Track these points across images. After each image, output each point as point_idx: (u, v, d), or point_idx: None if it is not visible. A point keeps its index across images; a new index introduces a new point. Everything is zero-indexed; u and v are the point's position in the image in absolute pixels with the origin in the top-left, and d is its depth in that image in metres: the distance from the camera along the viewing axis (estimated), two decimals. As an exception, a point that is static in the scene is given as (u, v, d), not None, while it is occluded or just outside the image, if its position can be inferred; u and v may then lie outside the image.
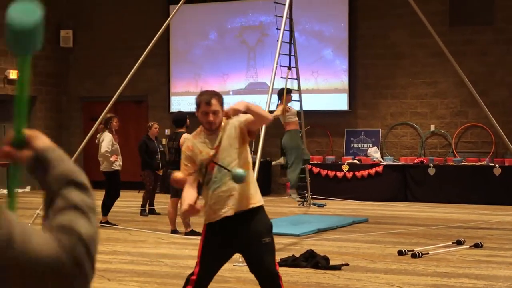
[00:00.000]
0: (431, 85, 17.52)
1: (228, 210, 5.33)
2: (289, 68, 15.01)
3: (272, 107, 12.54)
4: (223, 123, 5.40)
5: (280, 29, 12.41)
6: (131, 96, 19.53)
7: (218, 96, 5.37)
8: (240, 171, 5.11)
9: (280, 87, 15.26)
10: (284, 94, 14.39)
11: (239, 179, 5.10)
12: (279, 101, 14.54)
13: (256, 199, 5.42)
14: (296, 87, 15.42)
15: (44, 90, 20.24)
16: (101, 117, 13.05)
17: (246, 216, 5.38)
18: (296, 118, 14.79)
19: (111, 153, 12.68)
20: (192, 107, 17.37)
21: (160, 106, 19.69)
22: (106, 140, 12.72)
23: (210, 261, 5.43)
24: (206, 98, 5.31)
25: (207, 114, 5.30)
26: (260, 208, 5.46)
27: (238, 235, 5.38)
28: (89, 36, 20.51)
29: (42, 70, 20.11)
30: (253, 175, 5.60)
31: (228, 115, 5.23)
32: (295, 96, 15.52)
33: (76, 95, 20.75)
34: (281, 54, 12.71)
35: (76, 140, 20.02)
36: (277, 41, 12.15)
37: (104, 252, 10.10)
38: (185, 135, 11.35)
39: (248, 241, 5.40)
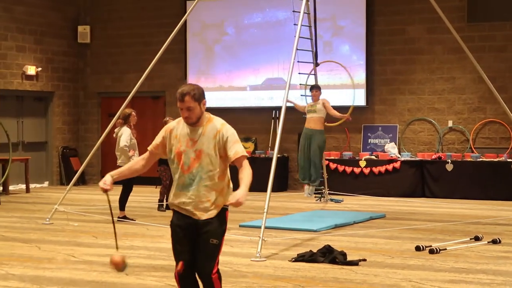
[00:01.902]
0: (448, 80, 17.45)
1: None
2: (317, 64, 15.10)
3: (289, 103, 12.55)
4: (207, 120, 5.49)
5: (297, 25, 12.39)
6: (149, 92, 19.57)
7: (194, 91, 5.42)
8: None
9: (297, 83, 15.29)
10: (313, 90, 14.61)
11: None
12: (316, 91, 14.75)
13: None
14: (313, 83, 15.42)
15: (61, 86, 20.31)
16: (119, 112, 13.10)
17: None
18: (309, 116, 14.86)
19: (129, 148, 12.71)
20: (210, 103, 17.46)
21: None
22: (125, 135, 12.75)
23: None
24: (180, 95, 5.42)
25: (181, 110, 5.43)
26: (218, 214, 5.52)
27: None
28: (107, 32, 20.56)
29: (59, 66, 20.18)
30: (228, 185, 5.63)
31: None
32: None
33: (94, 90, 20.81)
34: (298, 49, 12.69)
35: (93, 136, 20.10)
36: (295, 36, 12.14)
37: (122, 247, 10.09)
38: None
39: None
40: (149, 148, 5.69)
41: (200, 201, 5.43)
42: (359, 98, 17.93)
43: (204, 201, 5.43)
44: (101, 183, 5.51)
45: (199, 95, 5.42)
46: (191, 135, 5.47)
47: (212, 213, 5.46)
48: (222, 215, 5.52)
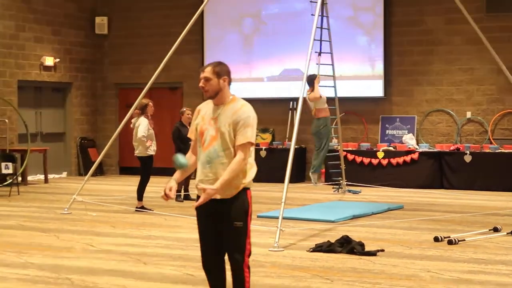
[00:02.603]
0: (467, 71, 17.35)
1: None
2: (319, 53, 14.97)
3: (307, 94, 12.50)
4: (230, 100, 5.52)
5: (314, 15, 12.35)
6: (166, 83, 19.58)
7: (217, 65, 5.52)
8: (180, 160, 5.47)
9: (310, 74, 15.22)
10: (314, 81, 14.45)
11: (177, 165, 5.49)
12: (309, 88, 14.58)
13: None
14: (331, 73, 15.36)
15: (79, 77, 20.36)
16: (136, 102, 13.11)
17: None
18: (326, 106, 14.79)
19: (146, 138, 12.73)
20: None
21: (194, 93, 19.71)
22: (143, 125, 12.76)
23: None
24: (203, 67, 5.56)
25: (200, 81, 5.52)
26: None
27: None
28: (124, 23, 20.58)
29: (77, 57, 20.22)
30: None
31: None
32: (330, 83, 15.49)
33: (111, 81, 20.85)
34: (316, 40, 12.66)
35: (111, 126, 20.15)
36: (312, 27, 12.10)
37: (140, 237, 10.17)
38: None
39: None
40: (189, 135, 5.73)
41: (217, 179, 5.37)
42: (377, 89, 17.88)
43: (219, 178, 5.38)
44: (167, 191, 5.48)
45: (220, 70, 5.49)
46: (213, 114, 5.50)
47: (231, 192, 5.41)
48: (242, 195, 5.45)
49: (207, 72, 5.47)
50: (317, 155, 14.92)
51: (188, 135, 5.73)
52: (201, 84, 5.49)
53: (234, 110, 5.45)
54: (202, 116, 5.57)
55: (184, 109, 14.38)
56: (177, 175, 5.63)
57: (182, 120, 14.18)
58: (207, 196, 5.28)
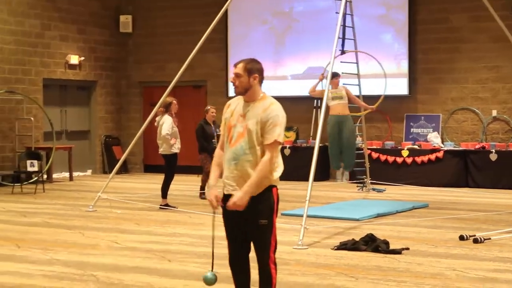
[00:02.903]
0: (492, 69, 17.23)
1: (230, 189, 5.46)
2: (343, 52, 14.87)
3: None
4: (260, 98, 5.48)
5: (339, 13, 12.32)
6: (190, 81, 19.61)
7: (249, 62, 5.49)
8: (209, 277, 5.54)
9: (339, 71, 15.16)
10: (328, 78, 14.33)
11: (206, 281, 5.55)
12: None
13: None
14: (355, 72, 15.32)
15: (104, 75, 20.45)
16: (160, 100, 13.15)
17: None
18: (335, 102, 14.50)
19: (170, 136, 12.75)
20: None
21: (218, 91, 19.75)
22: (167, 123, 12.78)
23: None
24: (237, 61, 5.52)
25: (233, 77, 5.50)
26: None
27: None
28: (148, 21, 20.65)
29: (101, 55, 20.32)
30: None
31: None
32: (354, 81, 15.43)
33: (136, 79, 20.92)
34: (340, 38, 12.62)
35: (135, 124, 20.22)
36: (336, 25, 12.07)
37: (164, 234, 10.20)
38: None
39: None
40: (220, 132, 5.73)
41: (242, 176, 5.36)
42: (401, 88, 17.81)
43: (245, 176, 5.36)
44: (214, 201, 5.42)
45: (252, 67, 5.45)
46: (243, 110, 5.47)
47: (257, 190, 5.37)
48: (268, 193, 5.41)
49: (239, 68, 5.45)
50: (353, 153, 14.86)
51: (220, 132, 5.71)
52: (233, 81, 5.48)
53: (263, 108, 5.41)
54: (231, 111, 5.55)
55: (209, 107, 14.38)
56: (213, 180, 5.54)
57: (206, 118, 14.19)
58: (235, 207, 5.27)
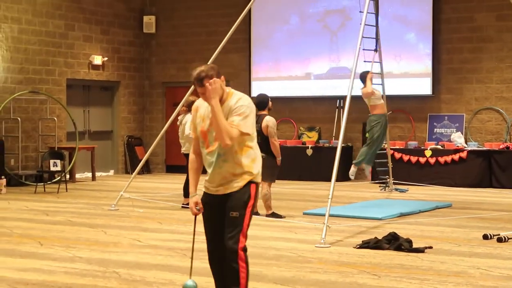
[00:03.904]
0: (518, 69, 17.11)
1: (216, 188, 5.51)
2: (376, 50, 14.82)
3: (354, 92, 12.29)
4: (227, 96, 5.41)
5: (363, 12, 12.26)
6: (213, 81, 19.56)
7: (211, 73, 5.34)
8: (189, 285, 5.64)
9: (362, 71, 15.08)
10: (367, 77, 14.26)
11: None
12: (364, 85, 14.38)
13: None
14: (379, 71, 15.25)
15: (127, 75, 20.51)
16: (183, 99, 13.15)
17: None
18: (382, 101, 14.55)
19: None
20: (274, 92, 17.29)
21: (241, 91, 19.58)
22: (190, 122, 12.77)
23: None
24: (197, 80, 5.34)
25: (202, 94, 5.37)
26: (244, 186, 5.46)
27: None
28: (172, 22, 20.69)
29: (125, 56, 20.38)
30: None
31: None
32: (377, 80, 15.35)
33: (159, 80, 20.96)
34: (364, 37, 12.55)
35: (158, 125, 20.26)
36: (360, 24, 12.02)
37: (186, 233, 10.19)
38: (268, 118, 11.33)
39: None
40: (192, 136, 5.70)
41: (223, 177, 5.41)
42: (425, 87, 17.71)
43: (226, 176, 5.41)
44: (195, 209, 5.54)
45: (217, 73, 5.37)
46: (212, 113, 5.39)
47: (235, 186, 5.41)
48: (245, 188, 5.43)
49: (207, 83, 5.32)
50: (362, 149, 14.66)
51: (191, 136, 5.70)
52: (204, 97, 5.35)
53: (233, 103, 5.36)
54: (201, 116, 5.49)
55: None
56: (193, 187, 5.62)
57: None
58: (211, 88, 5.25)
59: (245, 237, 5.44)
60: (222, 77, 5.41)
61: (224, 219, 5.45)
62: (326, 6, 18.90)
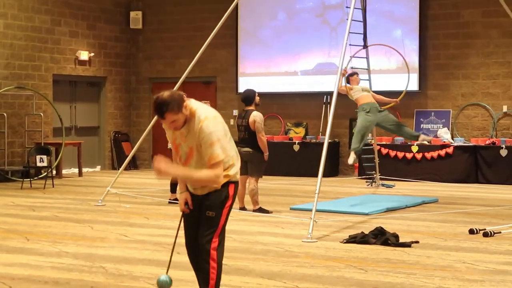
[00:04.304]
0: (504, 65, 17.15)
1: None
2: (365, 46, 14.83)
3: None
4: (191, 115, 5.32)
5: (349, 8, 12.27)
6: (200, 77, 19.60)
7: (172, 105, 5.22)
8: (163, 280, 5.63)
9: (349, 66, 15.10)
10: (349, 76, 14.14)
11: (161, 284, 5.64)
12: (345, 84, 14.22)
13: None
14: (366, 67, 15.28)
15: (113, 71, 20.46)
16: (170, 95, 13.10)
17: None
18: (363, 93, 14.23)
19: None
20: (261, 88, 17.27)
21: (228, 87, 19.74)
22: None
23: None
24: (158, 113, 5.26)
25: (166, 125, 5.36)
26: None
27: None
28: (158, 17, 20.64)
29: (111, 51, 20.32)
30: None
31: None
32: (364, 76, 15.37)
33: (146, 75, 20.92)
34: (351, 33, 12.57)
35: (145, 121, 20.22)
36: (347, 20, 12.03)
37: (173, 228, 10.11)
38: (255, 113, 11.33)
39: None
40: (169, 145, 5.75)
41: (204, 187, 5.43)
42: (411, 83, 17.72)
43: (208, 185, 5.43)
44: (183, 205, 5.52)
45: (178, 105, 5.24)
46: (183, 130, 5.37)
47: (213, 187, 5.42)
48: (224, 188, 5.43)
49: (170, 117, 5.24)
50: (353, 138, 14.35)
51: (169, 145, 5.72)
52: (170, 126, 5.30)
53: (197, 129, 5.28)
54: (172, 131, 5.46)
55: (204, 102, 14.23)
56: (182, 184, 5.61)
57: None
58: (163, 170, 5.20)
59: (219, 237, 5.45)
60: (185, 104, 5.27)
61: (200, 215, 5.47)
62: (314, 2, 18.90)
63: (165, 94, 5.29)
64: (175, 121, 5.27)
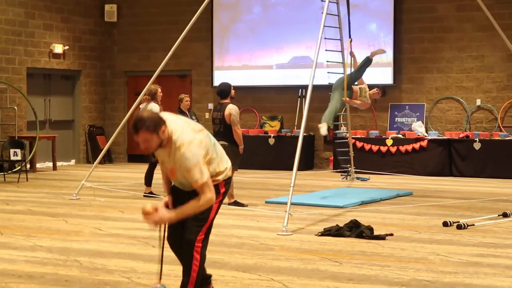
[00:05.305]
0: (477, 59, 17.28)
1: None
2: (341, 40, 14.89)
3: (316, 81, 12.12)
4: (167, 140, 5.26)
5: (325, 1, 12.30)
6: (175, 71, 19.56)
7: (149, 123, 5.14)
8: None
9: (324, 60, 15.11)
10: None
11: None
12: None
13: None
14: (341, 60, 15.31)
15: (88, 64, 20.35)
16: (145, 88, 13.09)
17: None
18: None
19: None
20: (236, 81, 17.22)
21: (203, 80, 19.71)
22: (155, 110, 12.69)
23: None
24: (134, 128, 5.19)
25: (139, 144, 5.29)
26: None
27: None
28: (133, 10, 20.56)
29: (86, 45, 20.22)
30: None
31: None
32: (340, 70, 15.35)
33: (121, 69, 20.83)
34: (326, 26, 12.60)
35: (120, 114, 20.15)
36: (322, 13, 12.05)
37: (148, 221, 10.16)
38: (230, 106, 11.33)
39: None
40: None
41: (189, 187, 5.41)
42: (386, 77, 17.81)
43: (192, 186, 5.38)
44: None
45: (154, 125, 5.15)
46: (162, 152, 5.36)
47: None
48: (214, 187, 5.40)
49: (142, 136, 5.16)
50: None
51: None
52: (142, 147, 5.23)
53: (174, 154, 5.25)
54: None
55: (183, 96, 14.16)
56: (165, 188, 5.65)
57: (181, 107, 14.02)
58: (158, 220, 5.24)
59: (205, 231, 5.46)
60: (163, 128, 5.18)
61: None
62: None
63: (146, 112, 5.23)
64: (148, 141, 5.19)
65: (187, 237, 5.42)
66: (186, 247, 5.44)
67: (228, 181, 5.58)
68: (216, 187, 5.45)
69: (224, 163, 5.55)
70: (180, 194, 5.51)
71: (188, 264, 5.45)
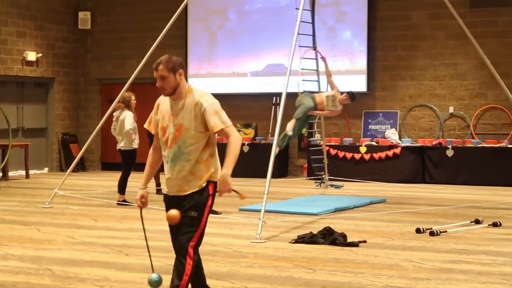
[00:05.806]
0: (450, 66, 17.41)
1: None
2: (314, 48, 14.94)
3: (290, 89, 12.18)
4: (186, 92, 5.38)
5: (299, 9, 12.34)
6: (149, 78, 19.25)
7: (168, 60, 5.35)
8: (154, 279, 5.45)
9: (299, 68, 15.12)
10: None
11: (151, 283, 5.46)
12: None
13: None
14: (315, 68, 15.37)
15: (62, 72, 20.25)
16: (119, 95, 13.05)
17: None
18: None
19: (133, 131, 12.67)
20: (210, 89, 17.14)
21: (177, 88, 19.66)
22: (129, 118, 12.69)
23: None
24: (155, 64, 5.37)
25: (156, 80, 5.37)
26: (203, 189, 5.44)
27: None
28: (107, 18, 20.49)
29: (59, 52, 20.12)
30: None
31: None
32: (313, 77, 15.43)
33: (94, 76, 20.75)
34: (300, 34, 12.64)
35: (93, 122, 20.05)
36: (296, 21, 12.08)
37: (122, 229, 10.14)
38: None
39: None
40: (147, 127, 5.68)
41: (184, 176, 5.37)
42: (360, 84, 17.88)
43: (187, 175, 5.36)
44: (139, 202, 5.56)
45: (173, 64, 5.33)
46: (173, 109, 5.39)
47: (195, 186, 5.38)
48: (205, 188, 5.42)
49: (161, 70, 5.31)
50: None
51: (145, 127, 5.67)
52: (159, 84, 5.33)
53: (194, 102, 5.33)
54: (160, 112, 5.48)
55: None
56: (144, 180, 5.65)
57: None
58: (229, 187, 5.28)
59: (198, 237, 5.44)
60: (180, 71, 5.34)
61: (182, 217, 5.41)
62: (263, 3, 18.95)
63: (169, 55, 5.44)
64: (165, 79, 5.31)
65: (180, 241, 5.40)
66: (180, 251, 5.41)
67: (215, 184, 5.47)
68: (206, 187, 5.42)
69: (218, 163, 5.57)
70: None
71: (181, 267, 5.40)
